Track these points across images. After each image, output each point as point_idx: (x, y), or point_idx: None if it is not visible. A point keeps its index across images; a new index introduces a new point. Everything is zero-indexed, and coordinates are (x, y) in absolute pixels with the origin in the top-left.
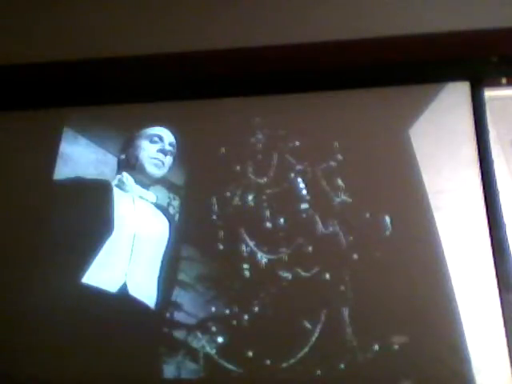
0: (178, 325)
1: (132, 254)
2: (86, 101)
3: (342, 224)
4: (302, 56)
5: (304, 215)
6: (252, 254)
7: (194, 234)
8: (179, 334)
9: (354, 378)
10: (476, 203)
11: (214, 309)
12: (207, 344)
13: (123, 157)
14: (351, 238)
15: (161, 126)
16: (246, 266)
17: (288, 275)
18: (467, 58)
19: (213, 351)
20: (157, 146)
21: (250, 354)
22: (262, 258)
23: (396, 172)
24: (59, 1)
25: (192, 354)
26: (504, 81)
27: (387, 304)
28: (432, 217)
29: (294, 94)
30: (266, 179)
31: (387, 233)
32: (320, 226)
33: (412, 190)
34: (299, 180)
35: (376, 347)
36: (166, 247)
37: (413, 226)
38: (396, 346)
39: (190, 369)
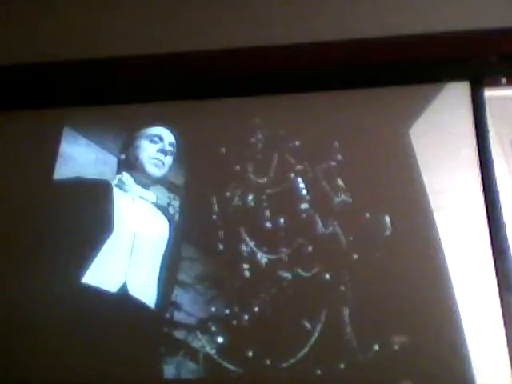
0: (178, 325)
1: (132, 254)
2: (86, 101)
3: (341, 224)
4: (302, 56)
5: (304, 215)
6: (252, 254)
7: (194, 234)
8: (179, 334)
9: (354, 377)
10: (476, 203)
11: (214, 309)
12: (207, 344)
13: (123, 157)
14: (351, 238)
15: (161, 126)
16: (245, 265)
17: (288, 275)
18: (467, 58)
19: (213, 351)
20: (157, 146)
21: (250, 354)
22: (262, 257)
23: (396, 172)
24: (59, 1)
25: (192, 354)
26: (504, 81)
27: (387, 304)
28: (432, 217)
29: (294, 94)
30: (266, 179)
31: (387, 233)
32: (320, 225)
33: (412, 190)
34: (299, 180)
35: (376, 347)
36: (166, 247)
37: (413, 226)
38: (396, 346)
39: (190, 369)
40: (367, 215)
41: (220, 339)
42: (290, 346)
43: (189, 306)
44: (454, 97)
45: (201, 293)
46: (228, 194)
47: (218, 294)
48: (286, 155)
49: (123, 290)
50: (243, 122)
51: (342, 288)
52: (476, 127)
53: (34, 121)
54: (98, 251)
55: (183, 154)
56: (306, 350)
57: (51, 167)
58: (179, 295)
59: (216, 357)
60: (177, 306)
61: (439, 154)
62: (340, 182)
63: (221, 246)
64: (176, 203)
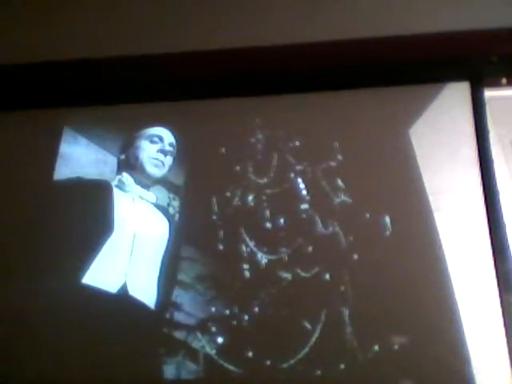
0: (178, 325)
1: (132, 255)
2: (86, 101)
3: (342, 224)
4: (302, 56)
5: (304, 215)
6: (252, 254)
7: (194, 234)
8: (179, 335)
9: (354, 378)
10: (476, 203)
11: (213, 309)
12: (207, 344)
13: (123, 157)
14: (351, 238)
15: (161, 126)
16: (245, 266)
17: (288, 275)
18: (467, 58)
19: (213, 351)
20: (157, 147)
21: (250, 354)
22: (262, 258)
23: (396, 172)
24: (59, 1)
25: (192, 354)
26: (504, 81)
27: (387, 304)
28: (432, 217)
29: (294, 94)
30: (266, 179)
31: (387, 233)
32: (320, 226)
33: (412, 190)
34: (299, 180)
35: (376, 347)
36: (166, 247)
37: (413, 226)
38: (396, 346)
39: (189, 369)
40: (367, 215)
41: (220, 339)
42: (290, 347)
43: (189, 306)
44: (454, 97)
45: (201, 293)
46: (228, 194)
47: (217, 294)
48: (286, 155)
49: (123, 290)
50: (243, 122)
51: (342, 288)
52: (476, 127)
53: (34, 121)
54: (98, 251)
55: (183, 154)
56: (306, 350)
57: (51, 167)
58: (179, 295)
59: (216, 357)
60: (177, 307)
61: (439, 154)
62: (340, 182)
63: (221, 246)
64: (176, 203)
